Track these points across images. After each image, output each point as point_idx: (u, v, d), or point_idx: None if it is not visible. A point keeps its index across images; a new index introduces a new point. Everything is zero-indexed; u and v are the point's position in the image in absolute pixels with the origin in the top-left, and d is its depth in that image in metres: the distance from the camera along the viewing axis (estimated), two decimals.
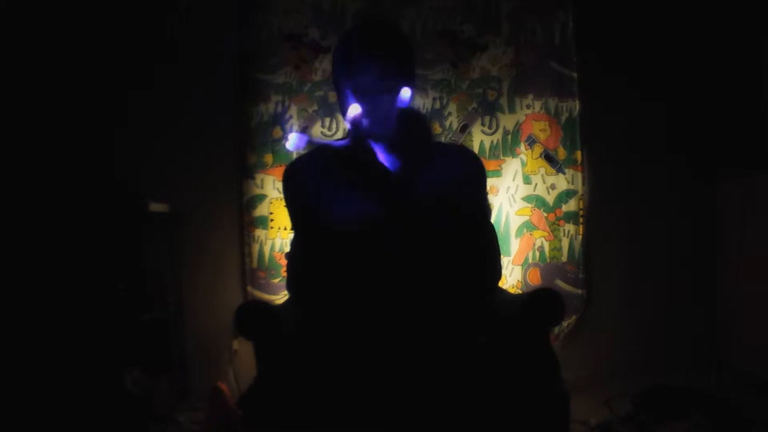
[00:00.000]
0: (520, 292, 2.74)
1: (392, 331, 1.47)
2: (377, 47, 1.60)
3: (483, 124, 2.82)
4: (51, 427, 2.25)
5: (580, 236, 2.85)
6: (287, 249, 2.63)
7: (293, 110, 2.79)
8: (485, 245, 1.71)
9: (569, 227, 2.84)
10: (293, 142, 1.63)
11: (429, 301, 1.53)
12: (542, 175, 2.82)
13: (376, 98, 1.59)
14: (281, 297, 2.71)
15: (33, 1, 2.68)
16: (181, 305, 2.75)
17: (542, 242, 2.82)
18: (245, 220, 2.79)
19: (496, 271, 1.74)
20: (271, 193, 2.75)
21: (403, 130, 1.67)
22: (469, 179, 1.73)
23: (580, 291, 2.84)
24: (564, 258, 2.84)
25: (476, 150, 2.75)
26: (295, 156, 1.92)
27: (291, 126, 2.76)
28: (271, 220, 2.76)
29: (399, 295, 1.52)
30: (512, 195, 2.80)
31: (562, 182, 2.83)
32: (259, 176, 2.77)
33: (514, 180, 2.80)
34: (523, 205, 2.81)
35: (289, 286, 1.77)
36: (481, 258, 1.68)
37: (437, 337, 1.47)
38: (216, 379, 2.48)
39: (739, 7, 2.87)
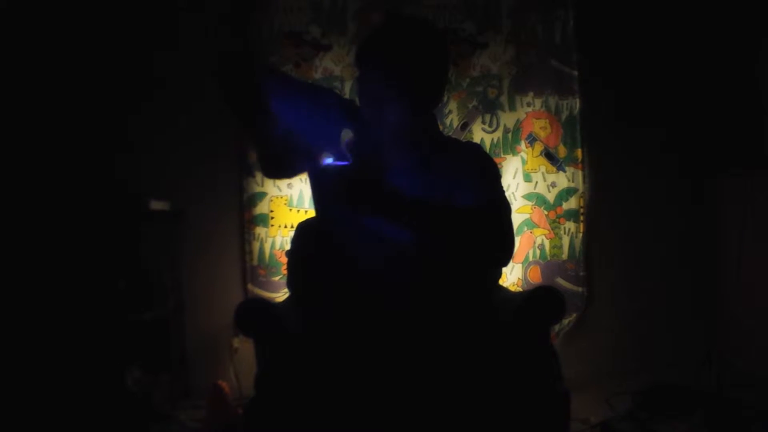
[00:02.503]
0: (520, 290, 2.74)
1: (392, 329, 1.47)
2: (381, 53, 1.50)
3: (483, 122, 2.81)
4: (52, 425, 2.25)
5: (581, 234, 2.85)
6: (287, 247, 2.62)
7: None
8: (494, 234, 1.51)
9: (570, 225, 2.84)
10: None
11: (429, 300, 1.53)
12: (543, 173, 2.82)
13: (379, 107, 1.52)
14: (282, 295, 2.71)
15: (33, 1, 2.67)
16: (181, 303, 2.75)
17: (543, 240, 2.82)
18: (245, 217, 2.78)
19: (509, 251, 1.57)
20: (272, 191, 2.75)
21: (411, 136, 1.57)
22: (478, 178, 1.58)
23: (580, 289, 2.85)
24: (564, 256, 2.84)
25: None
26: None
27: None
28: (272, 218, 2.76)
29: (399, 294, 1.52)
30: (513, 193, 2.79)
31: (562, 180, 2.83)
32: (259, 174, 2.77)
33: (514, 178, 2.80)
34: (524, 203, 2.81)
35: (290, 284, 1.77)
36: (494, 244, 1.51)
37: (438, 335, 1.47)
38: (216, 378, 2.48)
39: (739, 7, 2.87)
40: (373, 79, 1.52)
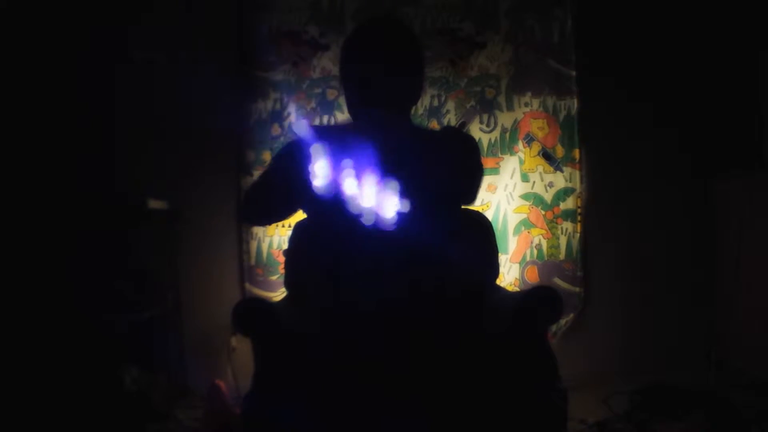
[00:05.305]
0: (517, 289, 2.74)
1: (388, 328, 1.47)
2: (372, 62, 1.53)
3: (481, 122, 2.81)
4: (50, 425, 2.24)
5: (578, 234, 2.85)
6: (285, 246, 2.62)
7: (292, 107, 2.79)
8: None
9: (567, 225, 2.84)
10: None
11: (423, 297, 1.53)
12: (540, 173, 2.82)
13: (374, 115, 1.55)
14: (279, 294, 2.71)
15: (33, 1, 2.67)
16: (179, 302, 2.75)
17: (540, 240, 2.82)
18: None
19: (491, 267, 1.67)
20: None
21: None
22: (451, 160, 1.59)
23: (577, 289, 2.84)
24: (562, 256, 2.84)
25: None
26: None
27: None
28: None
29: (392, 292, 1.52)
30: (510, 193, 2.80)
31: (560, 180, 2.83)
32: (257, 173, 2.77)
33: (512, 178, 2.80)
34: (521, 203, 2.81)
35: (287, 284, 1.77)
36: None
37: (436, 333, 1.47)
38: (214, 377, 2.48)
39: (738, 7, 2.86)
40: (366, 89, 1.52)
